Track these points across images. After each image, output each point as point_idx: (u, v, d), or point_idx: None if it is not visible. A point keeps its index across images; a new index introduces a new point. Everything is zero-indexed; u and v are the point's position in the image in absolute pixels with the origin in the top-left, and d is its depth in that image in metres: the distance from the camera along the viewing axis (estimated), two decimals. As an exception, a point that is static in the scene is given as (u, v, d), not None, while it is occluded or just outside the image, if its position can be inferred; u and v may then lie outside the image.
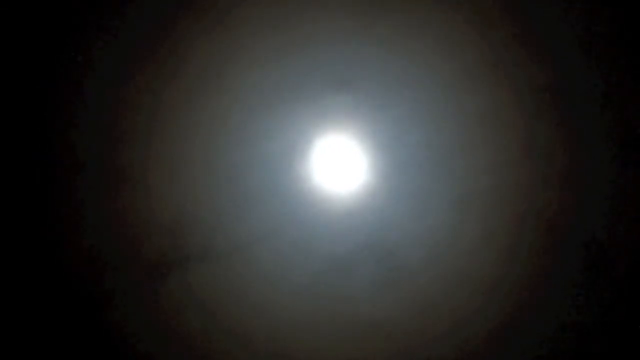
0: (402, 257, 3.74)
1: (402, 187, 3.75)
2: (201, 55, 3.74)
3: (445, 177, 3.74)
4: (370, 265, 3.75)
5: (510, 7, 3.71)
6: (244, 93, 3.75)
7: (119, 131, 3.74)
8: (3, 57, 3.74)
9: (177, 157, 3.75)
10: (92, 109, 3.75)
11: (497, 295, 3.73)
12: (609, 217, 3.71)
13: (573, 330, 3.72)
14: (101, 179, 3.74)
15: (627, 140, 3.70)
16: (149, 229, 3.74)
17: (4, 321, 3.72)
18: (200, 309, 3.75)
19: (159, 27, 3.74)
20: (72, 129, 3.74)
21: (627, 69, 3.71)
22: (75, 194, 3.74)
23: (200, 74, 3.75)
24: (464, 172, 3.73)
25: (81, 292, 3.74)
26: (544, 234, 3.72)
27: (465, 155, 3.73)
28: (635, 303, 3.71)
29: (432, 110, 3.74)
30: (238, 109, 3.75)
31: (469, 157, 3.73)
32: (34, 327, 3.73)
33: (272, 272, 3.75)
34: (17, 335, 3.72)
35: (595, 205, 3.71)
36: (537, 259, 3.72)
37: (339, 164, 3.80)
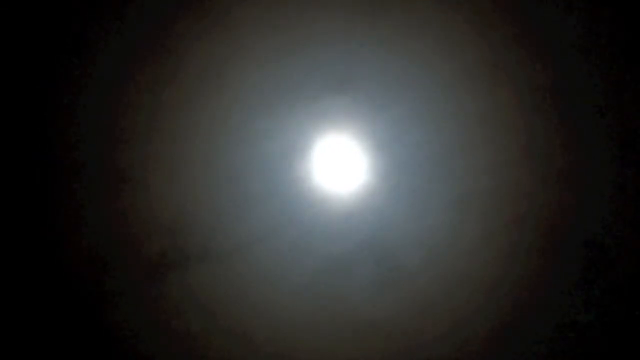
0: (401, 257, 3.74)
1: (402, 187, 3.75)
2: (201, 55, 3.74)
3: (445, 177, 3.74)
4: (370, 265, 3.75)
5: (510, 7, 3.70)
6: (244, 93, 3.75)
7: (119, 131, 3.75)
8: (3, 57, 3.74)
9: (177, 157, 3.75)
10: (92, 109, 3.75)
11: (497, 296, 3.73)
12: (609, 217, 3.70)
13: (573, 330, 3.72)
14: (101, 179, 3.74)
15: (627, 140, 3.70)
16: (149, 229, 3.74)
17: (4, 321, 3.72)
18: (200, 309, 3.75)
19: (159, 27, 3.74)
20: (72, 129, 3.74)
21: (627, 69, 3.71)
22: (75, 194, 3.74)
23: (200, 74, 3.75)
24: (464, 172, 3.73)
25: (81, 292, 3.74)
26: (544, 234, 3.72)
27: (465, 155, 3.73)
28: (635, 303, 3.71)
29: (432, 110, 3.74)
30: (238, 109, 3.75)
31: (469, 157, 3.73)
32: (34, 327, 3.73)
33: (272, 272, 3.75)
34: (17, 335, 3.72)
35: (595, 205, 3.71)
36: (537, 259, 3.72)
37: (338, 164, 3.80)
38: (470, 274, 3.73)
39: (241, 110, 3.75)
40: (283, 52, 3.73)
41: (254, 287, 3.76)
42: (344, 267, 3.75)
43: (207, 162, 3.76)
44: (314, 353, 3.76)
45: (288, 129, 3.75)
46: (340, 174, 3.81)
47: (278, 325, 3.75)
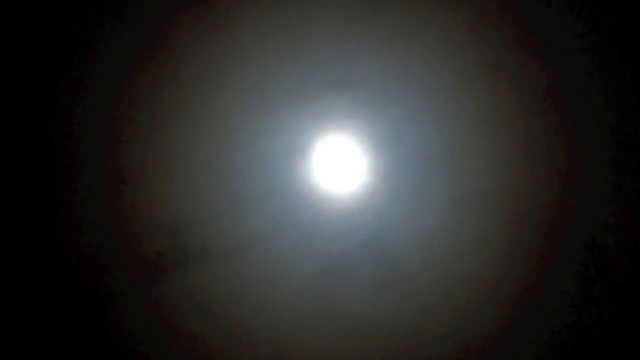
0: (401, 257, 3.74)
1: (402, 187, 3.75)
2: (201, 55, 3.74)
3: (445, 177, 3.74)
4: (370, 265, 3.75)
5: (510, 7, 3.70)
6: (244, 93, 3.75)
7: (119, 131, 3.75)
8: (3, 57, 3.74)
9: (177, 157, 3.75)
10: (92, 109, 3.75)
11: (497, 296, 3.73)
12: (609, 217, 3.70)
13: (573, 330, 3.72)
14: (101, 179, 3.74)
15: (627, 140, 3.70)
16: (149, 229, 3.75)
17: (4, 321, 3.72)
18: (200, 309, 3.76)
19: (159, 27, 3.74)
20: (72, 129, 3.74)
21: (627, 68, 3.71)
22: (75, 194, 3.74)
23: (200, 74, 3.75)
24: (464, 172, 3.73)
25: (81, 292, 3.74)
26: (544, 234, 3.72)
27: (465, 155, 3.73)
28: (635, 303, 3.71)
29: (432, 110, 3.74)
30: (238, 109, 3.76)
31: (469, 157, 3.73)
32: (34, 327, 3.73)
33: (272, 272, 3.75)
34: (17, 335, 3.72)
35: (595, 205, 3.71)
36: (537, 259, 3.72)
37: (338, 164, 3.80)
38: (470, 274, 3.73)
39: (241, 110, 3.75)
40: (283, 52, 3.73)
41: (254, 287, 3.76)
42: (344, 267, 3.75)
43: (207, 162, 3.76)
44: (314, 353, 3.76)
45: (288, 129, 3.75)
46: (340, 174, 3.81)
47: (278, 325, 3.76)
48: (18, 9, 3.73)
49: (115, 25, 3.74)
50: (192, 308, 3.76)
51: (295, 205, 3.75)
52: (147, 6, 3.74)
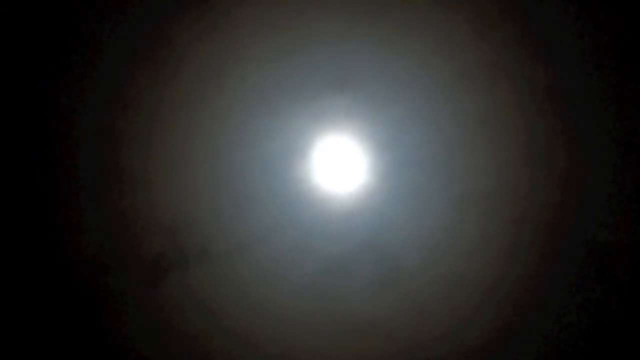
0: (401, 257, 3.74)
1: (401, 187, 3.75)
2: (201, 55, 3.74)
3: (445, 177, 3.74)
4: (370, 265, 3.75)
5: (510, 7, 3.70)
6: (244, 93, 3.75)
7: (119, 131, 3.75)
8: (3, 57, 3.74)
9: (177, 157, 3.75)
10: (92, 109, 3.75)
11: (497, 296, 3.73)
12: (609, 217, 3.70)
13: (573, 330, 3.72)
14: (101, 179, 3.74)
15: (627, 140, 3.70)
16: (149, 229, 3.75)
17: (4, 321, 3.72)
18: (200, 309, 3.76)
19: (159, 27, 3.74)
20: (72, 129, 3.74)
21: (627, 68, 3.71)
22: (75, 194, 3.74)
23: (200, 74, 3.75)
24: (464, 172, 3.73)
25: (81, 293, 3.74)
26: (544, 235, 3.72)
27: (465, 155, 3.73)
28: (635, 303, 3.71)
29: (432, 110, 3.74)
30: (238, 109, 3.75)
31: (469, 157, 3.73)
32: (34, 327, 3.73)
33: (272, 272, 3.75)
34: (17, 336, 3.72)
35: (595, 205, 3.71)
36: (536, 260, 3.72)
37: (338, 164, 3.80)
38: (470, 274, 3.73)
39: (241, 110, 3.75)
40: (283, 52, 3.73)
41: (254, 287, 3.76)
42: (344, 267, 3.75)
43: (207, 162, 3.76)
44: (314, 353, 3.76)
45: (288, 129, 3.75)
46: (340, 174, 3.81)
47: (278, 325, 3.76)
48: (18, 9, 3.73)
49: (115, 25, 3.74)
50: (192, 308, 3.76)
51: (295, 205, 3.75)
52: (147, 6, 3.74)
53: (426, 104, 3.73)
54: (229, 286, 3.76)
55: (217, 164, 3.75)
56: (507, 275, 3.73)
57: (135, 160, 3.74)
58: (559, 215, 3.71)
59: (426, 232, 3.73)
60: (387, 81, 3.74)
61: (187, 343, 3.76)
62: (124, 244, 3.75)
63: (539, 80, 3.71)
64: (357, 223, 3.76)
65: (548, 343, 3.73)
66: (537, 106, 3.72)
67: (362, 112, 3.75)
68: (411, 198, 3.74)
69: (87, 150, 3.74)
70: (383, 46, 3.72)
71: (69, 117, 3.74)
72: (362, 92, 3.75)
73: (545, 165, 3.71)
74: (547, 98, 3.71)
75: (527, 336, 3.73)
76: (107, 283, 3.75)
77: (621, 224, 3.70)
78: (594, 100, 3.71)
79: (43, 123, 3.74)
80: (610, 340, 3.71)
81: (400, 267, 3.74)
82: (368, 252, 3.75)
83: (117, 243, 3.75)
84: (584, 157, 3.71)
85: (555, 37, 3.71)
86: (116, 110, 3.75)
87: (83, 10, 3.74)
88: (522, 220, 3.72)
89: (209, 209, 3.76)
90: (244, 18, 3.73)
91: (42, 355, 3.73)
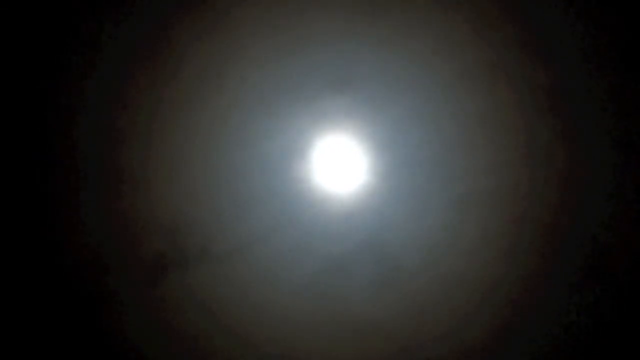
0: (401, 257, 3.74)
1: (401, 187, 3.75)
2: (201, 55, 3.74)
3: (445, 177, 3.74)
4: (370, 265, 3.75)
5: (510, 7, 3.70)
6: (244, 93, 3.75)
7: (119, 131, 3.75)
8: (3, 57, 3.74)
9: (177, 157, 3.75)
10: (92, 109, 3.75)
11: (497, 296, 3.73)
12: (609, 217, 3.70)
13: (573, 330, 3.72)
14: (101, 179, 3.74)
15: (627, 140, 3.70)
16: (149, 229, 3.75)
17: (4, 321, 3.72)
18: (200, 309, 3.76)
19: (159, 27, 3.74)
20: (72, 129, 3.74)
21: (627, 68, 3.71)
22: (75, 194, 3.74)
23: (200, 74, 3.75)
24: (464, 172, 3.73)
25: (81, 293, 3.74)
26: (544, 235, 3.72)
27: (465, 155, 3.73)
28: (635, 303, 3.71)
29: (432, 110, 3.74)
30: (238, 109, 3.76)
31: (469, 157, 3.73)
32: (34, 327, 3.73)
33: (272, 272, 3.75)
34: (17, 336, 3.72)
35: (595, 205, 3.71)
36: (536, 260, 3.72)
37: (338, 164, 3.80)
38: (470, 274, 3.73)
39: (241, 110, 3.75)
40: (283, 52, 3.73)
41: (254, 287, 3.76)
42: (344, 267, 3.75)
43: (207, 162, 3.76)
44: (314, 353, 3.76)
45: (288, 129, 3.75)
46: (340, 174, 3.81)
47: (278, 325, 3.76)
48: (18, 9, 3.73)
49: (115, 25, 3.74)
50: (192, 308, 3.76)
51: (295, 205, 3.75)
52: (147, 6, 3.74)
53: (426, 104, 3.73)
54: (229, 286, 3.76)
55: (217, 164, 3.75)
56: (507, 275, 3.73)
57: (135, 160, 3.74)
58: (559, 215, 3.71)
59: (426, 232, 3.73)
60: (387, 81, 3.74)
61: (187, 343, 3.76)
62: (124, 244, 3.75)
63: (539, 80, 3.71)
64: (357, 223, 3.76)
65: (548, 343, 3.73)
66: (537, 106, 3.72)
67: (362, 112, 3.75)
68: (411, 198, 3.74)
69: (87, 150, 3.74)
70: (383, 46, 3.72)
71: (69, 117, 3.74)
72: (362, 92, 3.75)
73: (545, 165, 3.71)
74: (547, 98, 3.71)
75: (527, 336, 3.73)
76: (107, 283, 3.75)
77: (621, 224, 3.70)
78: (594, 101, 3.71)
79: (43, 123, 3.74)
80: (610, 340, 3.71)
81: (400, 267, 3.74)
82: (368, 252, 3.75)
83: (117, 243, 3.75)
84: (584, 157, 3.71)
85: (555, 37, 3.71)
86: (116, 110, 3.75)
87: (83, 10, 3.74)
88: (522, 220, 3.72)
89: (209, 209, 3.76)
90: (244, 18, 3.73)
91: (43, 355, 3.73)
